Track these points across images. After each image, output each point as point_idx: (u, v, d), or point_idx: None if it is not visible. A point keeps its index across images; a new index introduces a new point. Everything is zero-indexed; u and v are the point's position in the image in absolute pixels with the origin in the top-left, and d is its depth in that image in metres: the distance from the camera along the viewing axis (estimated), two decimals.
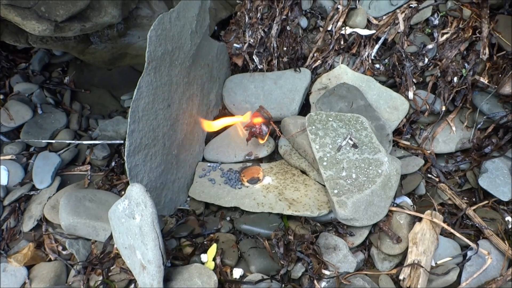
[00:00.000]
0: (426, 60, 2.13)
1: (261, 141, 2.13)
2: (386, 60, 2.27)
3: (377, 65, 2.29)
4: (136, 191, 1.55)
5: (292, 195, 1.96)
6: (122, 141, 2.29)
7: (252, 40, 2.44)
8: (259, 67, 2.44)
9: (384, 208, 1.86)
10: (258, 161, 2.22)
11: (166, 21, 1.75)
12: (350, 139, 1.92)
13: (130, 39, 2.06)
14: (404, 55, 2.16)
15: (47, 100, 2.60)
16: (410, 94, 2.15)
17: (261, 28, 2.43)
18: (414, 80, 2.15)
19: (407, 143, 2.18)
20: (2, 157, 2.21)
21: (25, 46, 2.00)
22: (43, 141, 2.32)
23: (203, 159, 2.29)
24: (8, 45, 1.96)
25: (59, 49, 1.95)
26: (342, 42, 2.35)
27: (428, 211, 1.89)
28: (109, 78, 2.75)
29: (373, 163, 1.86)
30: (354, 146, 1.90)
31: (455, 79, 2.09)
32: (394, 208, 1.90)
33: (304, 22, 2.41)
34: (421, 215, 1.87)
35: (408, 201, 2.03)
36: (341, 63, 2.35)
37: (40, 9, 1.66)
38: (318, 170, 1.98)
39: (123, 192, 2.07)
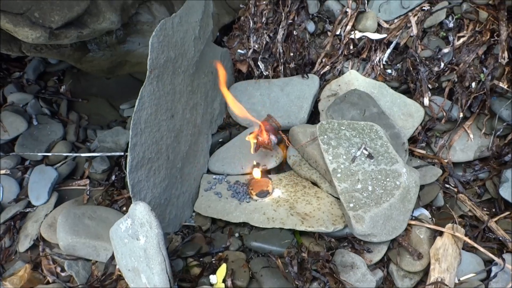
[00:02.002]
0: (442, 64, 2.03)
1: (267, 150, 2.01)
2: (398, 65, 2.17)
3: (389, 70, 2.20)
4: (140, 211, 1.43)
5: (304, 209, 1.85)
6: (122, 153, 2.17)
7: (257, 46, 2.34)
8: (265, 74, 2.35)
9: (403, 222, 1.75)
10: (266, 172, 2.10)
11: (168, 27, 1.66)
12: (365, 149, 1.81)
13: (130, 46, 1.96)
14: (418, 60, 2.06)
15: (43, 110, 2.49)
16: (426, 101, 2.05)
17: (266, 33, 2.33)
18: (429, 85, 2.06)
19: (423, 151, 2.08)
20: None
21: (18, 55, 1.87)
22: (39, 154, 2.20)
23: (208, 171, 2.18)
24: (1, 53, 1.84)
25: (55, 57, 1.84)
26: (351, 47, 2.26)
27: (449, 225, 1.79)
28: (107, 87, 2.64)
29: (390, 175, 1.75)
30: (370, 156, 1.79)
31: (473, 84, 1.99)
32: (413, 222, 1.80)
33: (311, 27, 2.31)
34: (442, 229, 1.77)
35: (427, 213, 1.93)
36: (351, 68, 2.26)
37: (33, 15, 1.54)
38: (330, 182, 1.88)
39: (124, 208, 1.96)
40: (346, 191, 1.75)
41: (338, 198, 1.83)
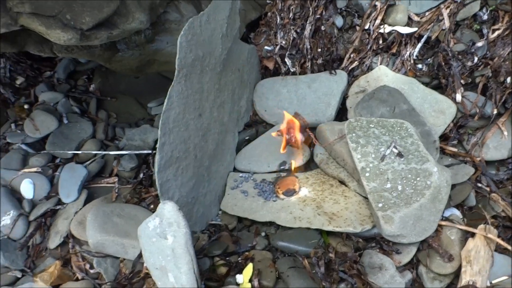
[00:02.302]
0: (476, 59, 1.96)
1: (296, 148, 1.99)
2: (429, 59, 2.11)
3: (419, 66, 2.14)
4: (168, 210, 1.44)
5: (331, 209, 1.82)
6: (150, 151, 2.19)
7: (284, 42, 2.31)
8: (292, 70, 2.32)
9: (433, 223, 1.71)
10: (293, 170, 2.07)
11: (196, 25, 1.65)
12: (395, 147, 1.77)
13: (159, 45, 1.96)
14: (450, 54, 2.00)
15: (73, 109, 2.53)
16: (458, 97, 1.99)
17: (293, 28, 2.30)
18: (462, 81, 1.99)
19: (454, 149, 2.02)
20: (27, 170, 2.14)
21: (49, 56, 1.91)
22: (69, 152, 2.24)
23: (234, 169, 2.17)
24: (32, 54, 1.88)
25: (85, 57, 1.86)
26: (380, 42, 2.20)
27: (482, 226, 1.74)
28: (135, 85, 2.67)
29: (421, 174, 1.71)
30: (399, 155, 1.75)
31: (508, 79, 1.92)
32: (444, 223, 1.75)
33: (339, 21, 2.26)
34: (474, 230, 1.71)
35: (458, 213, 1.87)
36: (380, 64, 2.21)
37: (65, 17, 1.57)
38: (358, 181, 1.85)
39: (152, 206, 1.97)
40: (375, 190, 1.71)
41: (366, 198, 1.79)
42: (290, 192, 1.92)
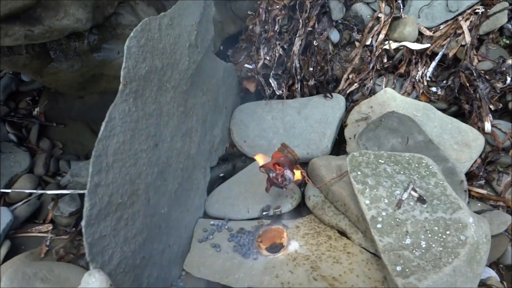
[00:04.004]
0: (509, 79, 1.59)
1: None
2: (445, 81, 1.74)
3: (434, 89, 1.80)
4: (95, 283, 0.96)
5: (331, 271, 1.40)
6: None
7: (268, 59, 1.97)
8: (278, 93, 1.99)
9: None
10: (279, 218, 1.67)
11: (153, 28, 1.28)
12: (414, 189, 1.36)
13: (107, 54, 1.53)
14: (475, 74, 1.62)
15: (9, 136, 2.06)
16: (487, 126, 1.62)
17: (279, 43, 1.95)
18: (491, 106, 1.62)
19: (483, 191, 1.64)
20: None
21: None
22: None
23: (205, 215, 1.76)
24: None
25: (6, 67, 1.42)
26: (385, 60, 1.90)
27: None
28: (89, 109, 2.21)
29: (451, 226, 1.29)
30: (421, 200, 1.34)
31: None
32: None
33: (335, 36, 1.96)
34: None
35: (494, 275, 1.47)
36: (385, 86, 1.87)
37: None
38: (365, 232, 1.48)
39: None
40: (391, 248, 1.28)
41: (375, 254, 1.42)
42: (276, 247, 1.52)
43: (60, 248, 1.55)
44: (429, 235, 1.29)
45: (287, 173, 1.51)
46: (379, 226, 1.33)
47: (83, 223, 1.05)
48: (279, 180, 1.50)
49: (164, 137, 1.39)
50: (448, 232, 1.29)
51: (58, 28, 1.24)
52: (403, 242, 1.30)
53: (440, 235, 1.29)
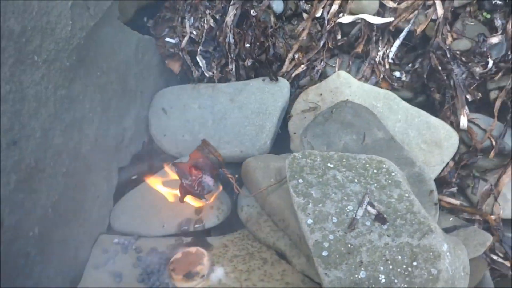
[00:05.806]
0: (490, 62, 1.31)
1: (197, 204, 1.26)
2: (412, 64, 1.50)
3: (397, 73, 1.56)
4: None
5: None
6: None
7: (195, 32, 1.65)
8: (207, 75, 1.71)
9: None
10: (203, 233, 1.40)
11: None
12: (371, 204, 1.07)
13: None
14: (449, 55, 1.34)
15: None
16: (463, 121, 1.36)
17: (209, 13, 1.67)
18: (468, 96, 1.34)
19: (455, 202, 1.39)
20: None
21: None
22: None
23: (110, 229, 1.47)
24: None
25: None
26: (339, 37, 1.63)
27: None
28: None
29: (419, 256, 1.01)
30: (380, 219, 1.05)
31: None
32: None
33: (278, 5, 1.68)
34: None
35: None
36: (339, 69, 1.61)
37: None
38: (309, 257, 1.20)
39: None
40: (340, 284, 0.99)
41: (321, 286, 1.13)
42: (193, 275, 1.21)
43: None
44: (391, 267, 1.01)
45: (206, 179, 1.18)
46: (324, 254, 1.02)
47: None
48: (196, 188, 1.15)
49: (29, 131, 1.01)
50: (415, 264, 1.00)
51: None
52: (356, 276, 0.99)
53: (405, 267, 1.01)
